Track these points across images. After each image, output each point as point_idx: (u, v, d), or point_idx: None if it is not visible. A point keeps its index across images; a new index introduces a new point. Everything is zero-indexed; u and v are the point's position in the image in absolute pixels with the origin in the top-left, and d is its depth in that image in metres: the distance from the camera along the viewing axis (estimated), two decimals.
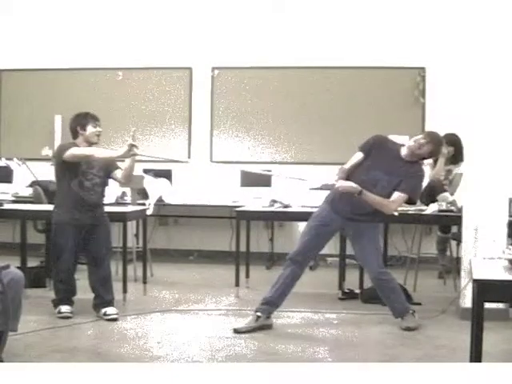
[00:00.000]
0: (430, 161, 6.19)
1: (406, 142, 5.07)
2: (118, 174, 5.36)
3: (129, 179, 5.40)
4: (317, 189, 5.32)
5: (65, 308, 5.30)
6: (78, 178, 5.23)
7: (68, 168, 5.21)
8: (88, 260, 5.48)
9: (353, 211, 4.97)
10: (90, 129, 5.22)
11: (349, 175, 4.93)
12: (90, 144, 5.24)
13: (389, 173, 4.91)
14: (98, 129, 5.25)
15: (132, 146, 4.97)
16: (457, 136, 6.62)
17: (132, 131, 5.07)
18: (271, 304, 5.09)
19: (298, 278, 5.11)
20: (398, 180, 4.89)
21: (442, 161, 6.54)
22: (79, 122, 5.26)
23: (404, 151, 4.99)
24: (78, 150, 5.16)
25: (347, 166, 4.99)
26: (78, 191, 5.23)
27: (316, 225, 5.10)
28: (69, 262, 5.30)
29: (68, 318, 5.23)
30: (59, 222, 5.31)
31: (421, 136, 5.00)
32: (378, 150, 5.00)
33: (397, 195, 4.88)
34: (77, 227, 5.26)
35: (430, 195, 6.19)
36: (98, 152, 5.19)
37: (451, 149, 6.63)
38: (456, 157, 6.65)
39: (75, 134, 5.28)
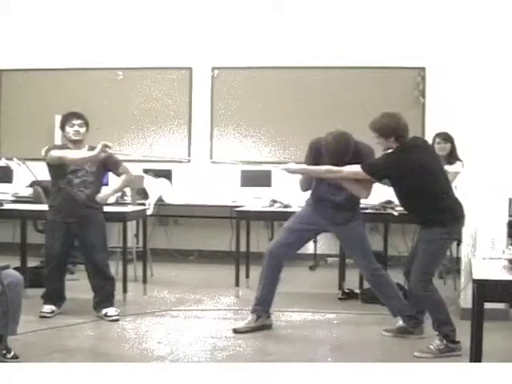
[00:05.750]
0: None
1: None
2: (122, 170, 5.40)
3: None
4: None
5: (46, 307, 5.29)
6: (66, 177, 5.24)
7: (56, 168, 5.25)
8: (86, 264, 5.42)
9: (334, 213, 5.00)
10: (67, 129, 5.28)
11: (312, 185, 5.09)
12: (74, 142, 5.26)
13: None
14: (76, 128, 5.25)
15: (105, 146, 5.00)
16: (450, 135, 6.65)
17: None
18: (262, 303, 5.08)
19: (278, 269, 5.08)
20: None
21: None
22: (61, 124, 5.35)
23: None
24: (52, 153, 5.20)
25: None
26: (67, 189, 5.24)
27: (297, 221, 5.15)
28: (56, 262, 5.31)
29: (46, 317, 5.20)
30: (49, 222, 5.40)
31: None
32: (321, 154, 4.97)
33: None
34: (66, 227, 5.26)
35: None
36: (70, 154, 5.18)
37: (448, 145, 6.62)
38: (451, 155, 6.64)
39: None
